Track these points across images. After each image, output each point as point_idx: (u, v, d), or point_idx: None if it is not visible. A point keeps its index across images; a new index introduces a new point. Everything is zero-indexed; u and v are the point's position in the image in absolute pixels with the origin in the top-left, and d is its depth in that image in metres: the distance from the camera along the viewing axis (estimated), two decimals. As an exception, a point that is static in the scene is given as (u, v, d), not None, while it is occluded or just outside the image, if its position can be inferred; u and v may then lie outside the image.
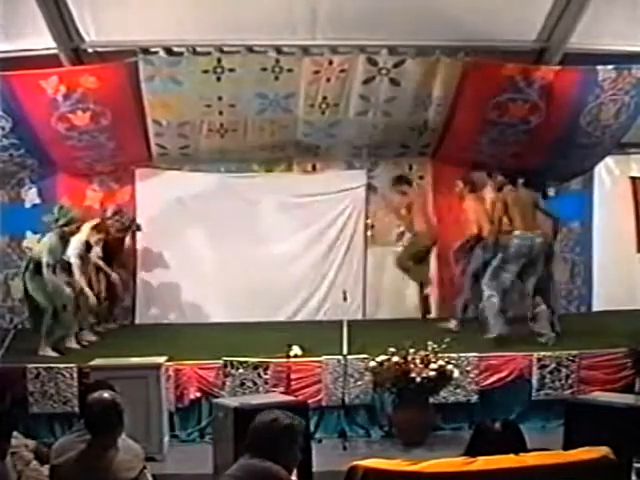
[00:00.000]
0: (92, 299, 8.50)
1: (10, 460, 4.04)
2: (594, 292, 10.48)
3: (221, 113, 9.30)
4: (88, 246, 8.67)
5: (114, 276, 9.22)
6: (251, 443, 3.58)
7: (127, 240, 9.92)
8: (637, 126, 9.27)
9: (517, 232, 8.13)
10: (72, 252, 8.23)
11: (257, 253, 10.09)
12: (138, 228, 10.01)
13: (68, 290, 8.06)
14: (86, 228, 8.68)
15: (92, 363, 6.74)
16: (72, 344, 8.12)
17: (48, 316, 7.84)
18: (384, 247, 10.39)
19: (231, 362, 7.07)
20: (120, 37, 8.40)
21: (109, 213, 9.65)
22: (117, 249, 9.59)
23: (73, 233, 8.23)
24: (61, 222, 8.07)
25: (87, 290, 8.46)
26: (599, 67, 8.42)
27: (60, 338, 7.98)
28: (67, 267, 8.20)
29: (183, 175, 10.40)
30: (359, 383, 7.06)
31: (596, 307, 10.43)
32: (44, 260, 7.84)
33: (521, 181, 8.45)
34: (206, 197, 10.26)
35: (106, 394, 3.94)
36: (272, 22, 8.20)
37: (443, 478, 3.45)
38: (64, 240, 8.07)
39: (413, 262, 9.87)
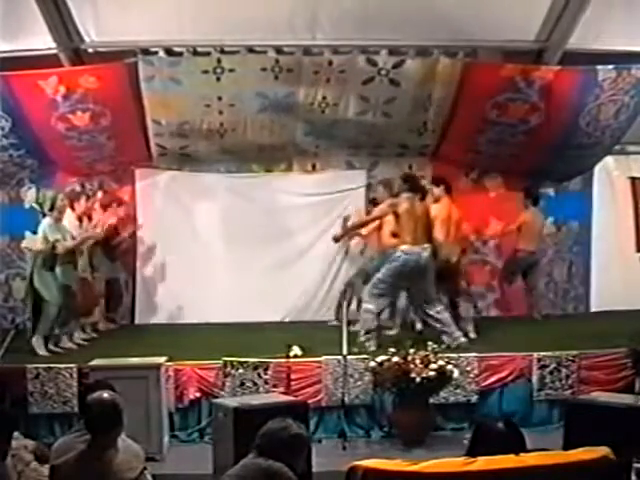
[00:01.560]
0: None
1: (10, 461, 4.03)
2: (592, 292, 10.50)
3: (221, 113, 9.31)
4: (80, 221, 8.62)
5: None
6: (258, 445, 3.63)
7: (126, 235, 9.88)
8: (637, 126, 9.27)
9: (403, 247, 7.77)
10: (67, 233, 8.16)
11: (257, 253, 10.08)
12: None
13: (69, 285, 8.07)
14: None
15: (92, 363, 6.73)
16: (70, 344, 8.13)
17: (48, 314, 7.83)
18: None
19: (231, 362, 7.06)
20: (120, 37, 8.42)
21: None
22: (114, 243, 9.55)
23: (63, 214, 8.14)
24: (47, 207, 8.02)
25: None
26: (599, 67, 8.42)
27: (58, 337, 7.98)
28: (68, 261, 8.18)
29: (183, 175, 10.41)
30: (359, 383, 7.05)
31: (595, 307, 10.45)
32: (39, 246, 7.81)
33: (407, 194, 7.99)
34: (206, 197, 10.27)
35: (106, 394, 3.93)
36: (272, 22, 8.21)
37: (443, 478, 3.46)
38: (59, 224, 8.01)
39: None
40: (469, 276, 9.80)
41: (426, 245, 7.79)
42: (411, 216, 7.80)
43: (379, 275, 7.93)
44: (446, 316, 7.90)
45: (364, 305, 7.99)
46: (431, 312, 7.85)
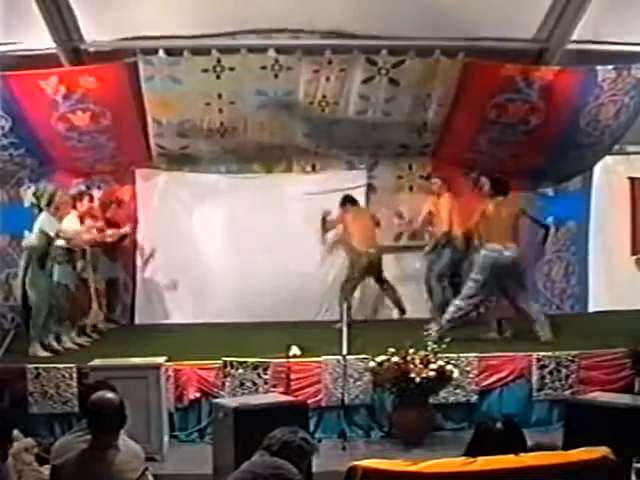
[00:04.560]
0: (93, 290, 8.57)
1: (11, 461, 4.03)
2: (591, 292, 10.49)
3: (221, 111, 9.29)
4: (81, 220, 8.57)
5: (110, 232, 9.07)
6: (267, 446, 3.71)
7: (125, 234, 9.87)
8: (636, 126, 9.27)
9: (488, 245, 8.10)
10: (65, 230, 8.10)
11: (257, 253, 10.07)
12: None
13: (66, 284, 8.05)
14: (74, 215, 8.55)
15: (92, 363, 6.73)
16: (70, 344, 8.12)
17: (37, 315, 7.78)
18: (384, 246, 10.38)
19: (231, 362, 7.06)
20: (120, 37, 8.42)
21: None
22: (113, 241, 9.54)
23: (61, 210, 8.12)
24: (44, 202, 7.95)
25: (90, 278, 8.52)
26: (599, 67, 8.42)
27: (58, 337, 7.97)
28: (66, 259, 8.15)
29: (183, 175, 10.40)
30: (359, 383, 7.05)
31: (593, 307, 10.44)
32: (34, 242, 7.79)
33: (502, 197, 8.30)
34: (206, 197, 10.26)
35: (109, 394, 3.94)
36: (272, 22, 8.21)
37: (443, 478, 3.46)
38: (56, 219, 7.96)
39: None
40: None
41: (511, 245, 8.10)
42: (498, 215, 8.19)
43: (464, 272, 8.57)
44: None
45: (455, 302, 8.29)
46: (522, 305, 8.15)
